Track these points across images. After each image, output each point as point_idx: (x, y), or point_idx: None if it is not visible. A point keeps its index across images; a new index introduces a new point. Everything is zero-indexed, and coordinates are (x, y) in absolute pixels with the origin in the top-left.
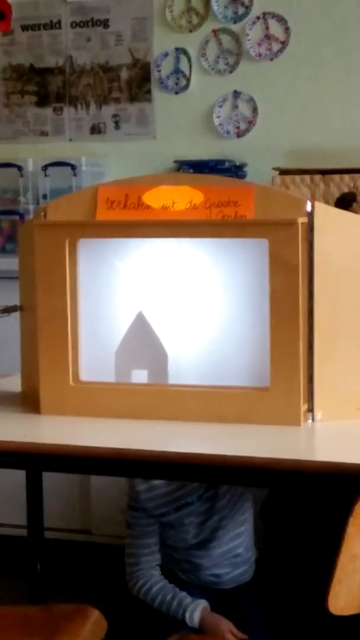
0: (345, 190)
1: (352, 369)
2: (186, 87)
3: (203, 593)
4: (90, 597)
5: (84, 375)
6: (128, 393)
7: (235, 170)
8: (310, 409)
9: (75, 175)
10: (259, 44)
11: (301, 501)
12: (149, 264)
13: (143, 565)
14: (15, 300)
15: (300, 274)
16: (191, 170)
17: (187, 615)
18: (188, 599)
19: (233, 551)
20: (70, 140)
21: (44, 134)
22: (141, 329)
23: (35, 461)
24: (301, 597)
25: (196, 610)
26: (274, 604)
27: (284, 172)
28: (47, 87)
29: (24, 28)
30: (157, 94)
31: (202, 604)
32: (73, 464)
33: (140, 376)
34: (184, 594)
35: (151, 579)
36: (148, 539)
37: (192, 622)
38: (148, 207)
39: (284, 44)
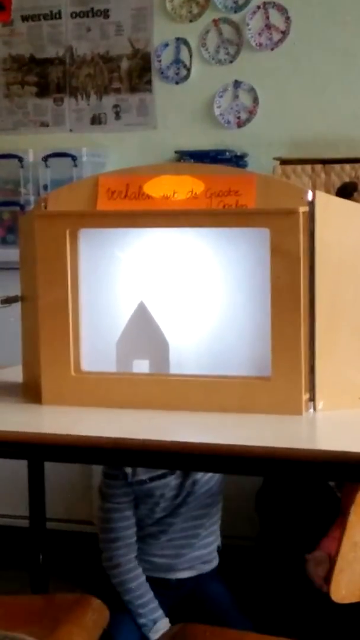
0: (346, 179)
1: (353, 358)
2: (187, 77)
3: (160, 590)
4: (92, 587)
5: (85, 366)
6: (129, 383)
7: (236, 160)
8: (312, 399)
9: (75, 165)
10: (259, 34)
11: (295, 491)
12: (149, 254)
13: (123, 541)
14: (16, 291)
15: (302, 264)
16: (192, 160)
17: (154, 627)
18: (159, 613)
19: (192, 530)
20: (71, 130)
21: (44, 124)
22: (142, 319)
23: (36, 451)
24: (297, 586)
25: (162, 629)
26: (270, 593)
27: (284, 161)
28: (47, 78)
29: (24, 18)
30: (157, 84)
31: (167, 623)
32: (75, 453)
33: (141, 366)
34: (156, 603)
35: (131, 571)
36: (126, 511)
37: (157, 634)
38: (149, 197)
39: (285, 33)
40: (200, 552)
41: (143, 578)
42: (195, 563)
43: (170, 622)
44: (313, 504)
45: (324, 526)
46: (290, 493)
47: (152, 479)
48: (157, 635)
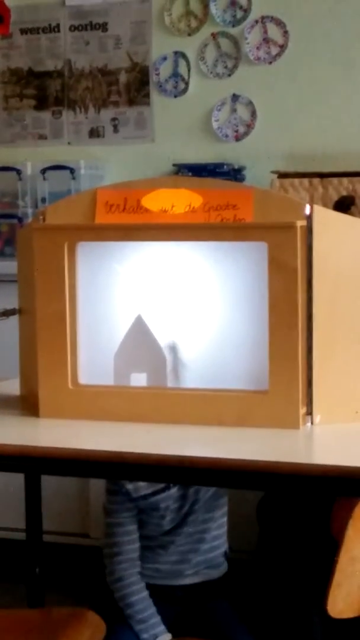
0: (344, 193)
1: (351, 372)
2: (185, 90)
3: (166, 599)
4: (89, 600)
5: (83, 379)
6: (127, 396)
7: (234, 174)
8: (309, 412)
9: (74, 178)
10: (257, 48)
11: (297, 503)
12: (147, 267)
13: (124, 555)
14: (14, 304)
15: (299, 277)
16: (190, 174)
17: None
18: (161, 627)
19: (198, 534)
20: (69, 143)
21: (42, 137)
22: (140, 332)
23: (34, 464)
24: (297, 598)
25: None
26: (269, 603)
27: (282, 175)
28: (45, 91)
29: (23, 32)
30: (155, 97)
31: (169, 638)
32: (72, 467)
33: (139, 379)
34: (159, 618)
35: (133, 585)
36: (128, 526)
37: None
38: (147, 210)
39: (283, 47)
40: (205, 557)
41: (145, 593)
42: (200, 568)
43: (175, 636)
44: (315, 515)
45: (326, 538)
46: (292, 504)
47: (154, 493)
48: None
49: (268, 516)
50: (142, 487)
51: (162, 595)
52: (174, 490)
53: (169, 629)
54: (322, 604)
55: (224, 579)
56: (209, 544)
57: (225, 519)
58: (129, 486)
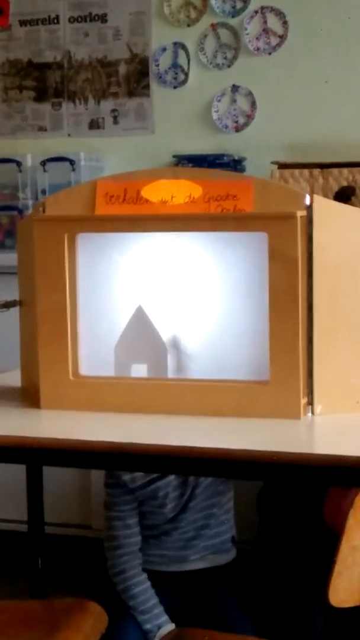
0: (344, 184)
1: (351, 362)
2: (184, 81)
3: (171, 585)
4: (90, 592)
5: (84, 370)
6: (128, 387)
7: (234, 165)
8: (310, 403)
9: (74, 170)
10: (257, 38)
11: (296, 492)
12: (148, 258)
13: (125, 548)
14: (14, 296)
15: (300, 268)
16: (190, 165)
17: (158, 633)
18: (164, 618)
19: (202, 520)
20: (69, 135)
21: (42, 129)
22: (141, 323)
23: (35, 456)
24: (297, 586)
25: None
26: (269, 592)
27: (282, 166)
28: (45, 82)
29: (22, 23)
30: (155, 88)
31: (172, 627)
32: (73, 458)
33: (139, 370)
34: (161, 609)
35: (135, 577)
36: (128, 519)
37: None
38: (147, 201)
39: (282, 38)
40: (211, 542)
41: (147, 584)
42: (206, 553)
43: (178, 625)
44: (314, 504)
45: (326, 530)
46: (291, 493)
47: (151, 481)
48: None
49: (268, 506)
50: (139, 477)
51: (166, 584)
52: (171, 478)
53: (172, 619)
54: (323, 592)
55: (230, 566)
56: (215, 529)
57: (231, 504)
58: (126, 477)
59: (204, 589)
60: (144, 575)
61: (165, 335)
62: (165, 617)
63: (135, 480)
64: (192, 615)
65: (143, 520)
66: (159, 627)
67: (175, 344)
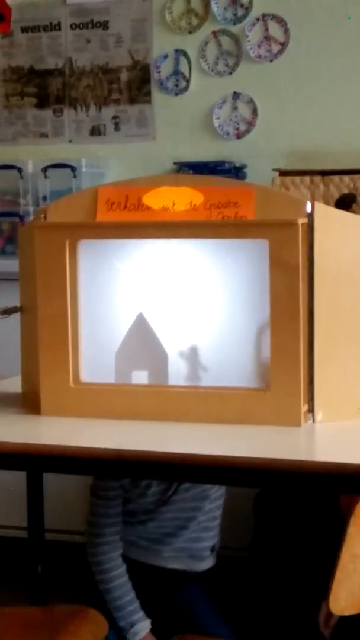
0: (345, 191)
1: (352, 369)
2: (186, 88)
3: (145, 577)
4: (90, 598)
5: (85, 377)
6: (128, 394)
7: (235, 172)
8: (311, 410)
9: (75, 176)
10: (258, 46)
11: (294, 498)
12: (149, 265)
13: (105, 537)
14: (15, 302)
15: (301, 275)
16: (191, 172)
17: (131, 630)
18: (139, 614)
19: (181, 521)
20: (70, 141)
21: (43, 135)
22: (141, 330)
23: (35, 462)
24: (293, 592)
25: (141, 631)
26: (265, 598)
27: (283, 173)
28: (46, 89)
29: (24, 30)
30: (156, 95)
31: (147, 625)
32: (74, 465)
33: (140, 377)
34: (137, 604)
35: (113, 570)
36: (112, 508)
37: (135, 637)
38: (148, 208)
39: (284, 45)
40: (188, 545)
41: (125, 578)
42: (181, 555)
43: (153, 622)
44: (313, 511)
45: (323, 535)
46: (289, 498)
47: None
48: (136, 638)
49: (264, 510)
50: None
51: (142, 572)
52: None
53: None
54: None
55: (207, 574)
56: (195, 533)
57: (218, 513)
58: None
59: (180, 590)
60: (122, 568)
61: (166, 343)
62: (140, 614)
63: None
64: (164, 611)
65: (124, 506)
66: (132, 625)
67: (194, 358)
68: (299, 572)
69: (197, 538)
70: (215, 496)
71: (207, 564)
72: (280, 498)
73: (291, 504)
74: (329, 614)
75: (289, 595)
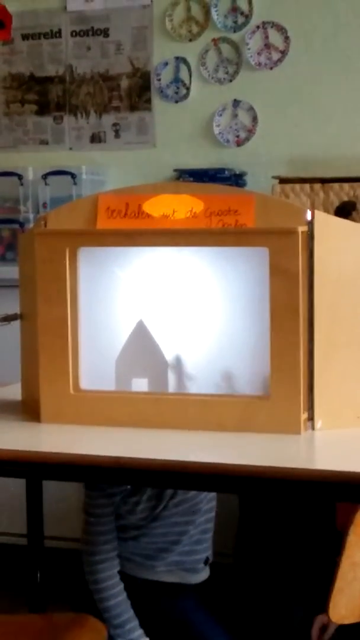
0: (345, 199)
1: (352, 377)
2: (186, 96)
3: (138, 591)
4: (90, 606)
5: (84, 384)
6: (128, 401)
7: (235, 179)
8: (311, 418)
9: (75, 184)
10: (258, 53)
11: (278, 505)
12: (149, 273)
13: (101, 555)
14: (15, 309)
15: (301, 283)
16: (191, 179)
17: None
18: (138, 632)
19: (173, 536)
20: (71, 149)
21: (44, 142)
22: (141, 338)
23: (35, 470)
24: (279, 596)
25: None
26: (251, 604)
27: (283, 180)
28: (47, 96)
29: (24, 37)
30: (157, 102)
31: None
32: (73, 472)
33: (140, 384)
34: (136, 623)
35: (111, 588)
36: (105, 525)
37: None
38: (148, 215)
39: (284, 53)
40: (182, 558)
41: (123, 597)
42: (175, 568)
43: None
44: (296, 519)
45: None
46: (273, 506)
47: (129, 495)
48: None
49: (248, 517)
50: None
51: (135, 585)
52: (148, 487)
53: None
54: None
55: (202, 586)
56: (187, 547)
57: (210, 526)
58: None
59: (175, 602)
60: (120, 587)
61: (166, 350)
62: (139, 632)
63: (111, 485)
64: (163, 628)
65: (115, 521)
66: None
67: (179, 366)
68: (282, 577)
69: (190, 551)
70: (206, 509)
71: (201, 576)
72: (265, 505)
73: (275, 511)
74: (322, 628)
75: (272, 600)
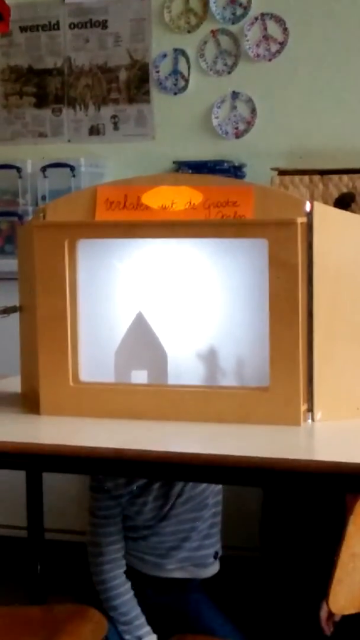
0: (344, 190)
1: (351, 368)
2: (185, 87)
3: (150, 587)
4: (90, 598)
5: (84, 376)
6: (128, 393)
7: (234, 171)
8: (310, 409)
9: (74, 176)
10: (257, 45)
11: (300, 501)
12: (148, 264)
13: (108, 556)
14: (14, 302)
15: (300, 274)
16: (190, 171)
17: None
18: (145, 629)
19: (182, 533)
20: (69, 141)
21: (42, 135)
22: (141, 330)
23: (35, 462)
24: (300, 592)
25: None
26: (273, 598)
27: (282, 172)
28: (45, 89)
29: (23, 29)
30: (155, 94)
31: (154, 638)
32: (73, 464)
33: (139, 376)
34: (143, 620)
35: (118, 587)
36: (111, 526)
37: None
38: (147, 207)
39: (283, 44)
40: (192, 554)
41: (130, 595)
42: (186, 564)
43: (156, 630)
44: (319, 512)
45: (328, 534)
46: (294, 502)
47: (133, 494)
48: None
49: (272, 511)
50: (121, 484)
51: (146, 582)
52: (155, 487)
53: (148, 618)
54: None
55: (213, 579)
56: (197, 542)
57: (218, 519)
58: (109, 484)
59: (184, 597)
60: (127, 585)
61: (166, 342)
62: (147, 629)
63: (117, 487)
64: (170, 619)
65: (124, 522)
66: (140, 639)
67: (213, 359)
68: (306, 571)
69: (199, 546)
70: (213, 503)
71: (211, 570)
72: (288, 499)
73: (298, 504)
74: (331, 612)
75: (297, 594)
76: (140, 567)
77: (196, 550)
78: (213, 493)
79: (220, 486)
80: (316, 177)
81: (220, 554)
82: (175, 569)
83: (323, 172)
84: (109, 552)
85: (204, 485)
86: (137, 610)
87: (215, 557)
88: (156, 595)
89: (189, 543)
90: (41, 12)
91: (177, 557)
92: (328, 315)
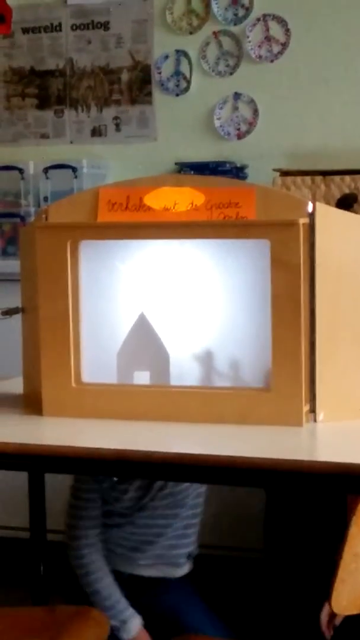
0: (346, 191)
1: (354, 369)
2: (187, 89)
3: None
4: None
5: (86, 377)
6: (130, 394)
7: (236, 172)
8: (312, 410)
9: (76, 177)
10: (259, 46)
11: (303, 503)
12: (150, 266)
13: (87, 540)
14: (17, 303)
15: (302, 275)
16: (192, 172)
17: (124, 627)
18: (129, 612)
19: (156, 528)
20: (71, 142)
21: (44, 136)
22: (143, 331)
23: (37, 463)
24: (305, 596)
25: (134, 627)
26: (274, 598)
27: (284, 173)
28: (47, 90)
29: (25, 31)
30: (157, 96)
31: (139, 621)
32: (75, 465)
33: (142, 377)
34: (125, 603)
35: (97, 571)
36: (91, 510)
37: (128, 634)
38: (149, 208)
39: (285, 45)
40: (163, 552)
41: (110, 579)
42: (157, 562)
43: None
44: (322, 515)
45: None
46: (297, 504)
47: (118, 482)
48: (129, 636)
49: (276, 512)
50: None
51: (120, 585)
52: (136, 481)
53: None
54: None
55: (186, 578)
56: (170, 540)
57: (196, 521)
58: None
59: (163, 597)
60: (106, 569)
61: (168, 343)
62: (130, 611)
63: None
64: (153, 623)
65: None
66: (124, 622)
67: (209, 361)
68: (309, 573)
69: (173, 545)
70: (192, 504)
71: (182, 570)
72: (291, 501)
73: (301, 506)
74: (332, 614)
75: (300, 596)
76: (114, 562)
77: (169, 548)
78: (194, 494)
79: (203, 489)
80: (318, 178)
81: (194, 555)
82: (146, 566)
83: (325, 173)
84: (88, 535)
85: (186, 483)
86: (118, 594)
87: (187, 557)
88: (131, 597)
89: (163, 540)
90: (43, 14)
91: (149, 553)
92: (330, 316)
